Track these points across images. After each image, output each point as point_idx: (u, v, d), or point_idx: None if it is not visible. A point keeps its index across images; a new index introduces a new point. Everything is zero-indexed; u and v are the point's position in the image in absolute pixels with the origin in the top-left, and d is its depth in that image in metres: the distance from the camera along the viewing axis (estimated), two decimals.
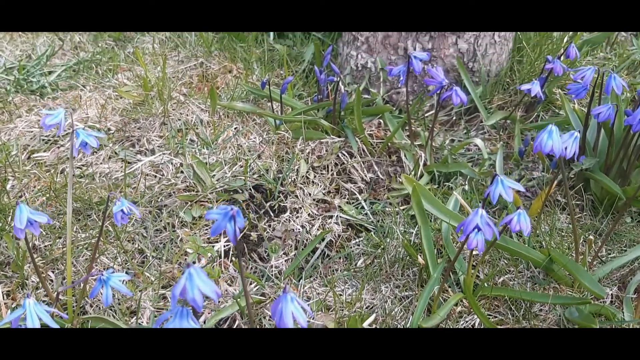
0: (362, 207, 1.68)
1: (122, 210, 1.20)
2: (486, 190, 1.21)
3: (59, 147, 1.94)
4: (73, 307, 1.32)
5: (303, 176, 1.74)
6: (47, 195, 1.67)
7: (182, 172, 1.78)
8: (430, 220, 1.52)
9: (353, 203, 1.70)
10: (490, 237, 1.17)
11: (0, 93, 2.18)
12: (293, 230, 1.57)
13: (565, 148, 1.25)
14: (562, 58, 1.80)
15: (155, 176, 1.79)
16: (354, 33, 2.07)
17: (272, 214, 1.66)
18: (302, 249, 1.50)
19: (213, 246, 1.53)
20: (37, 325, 0.97)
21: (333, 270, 1.49)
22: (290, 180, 1.72)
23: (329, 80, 1.88)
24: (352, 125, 1.87)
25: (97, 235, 1.49)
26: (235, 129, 1.95)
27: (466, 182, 1.72)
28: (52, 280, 1.46)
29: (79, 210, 1.64)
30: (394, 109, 2.01)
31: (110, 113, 2.08)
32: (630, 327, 1.30)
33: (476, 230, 1.16)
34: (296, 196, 1.67)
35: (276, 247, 1.50)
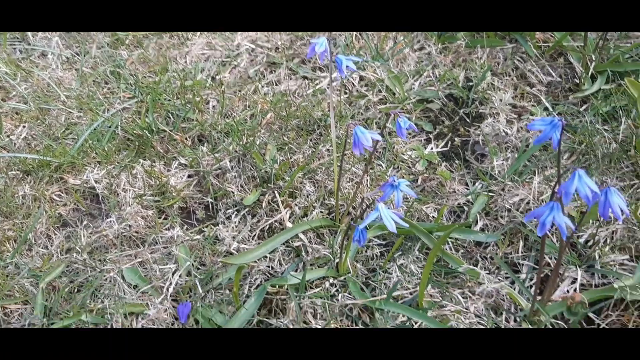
0: (546, 108, 1.82)
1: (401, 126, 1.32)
2: None
3: (234, 68, 2.04)
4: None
5: (489, 83, 1.87)
6: (262, 114, 1.81)
7: (368, 84, 1.91)
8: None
9: (537, 106, 1.83)
10: None
11: None
12: (498, 134, 1.73)
13: None
14: None
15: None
16: None
17: (467, 120, 1.81)
18: (523, 152, 1.64)
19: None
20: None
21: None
22: (480, 88, 1.84)
23: None
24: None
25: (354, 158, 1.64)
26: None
27: None
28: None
29: (300, 127, 1.79)
30: None
31: None
32: None
33: None
34: (492, 101, 1.81)
35: (495, 150, 1.67)
